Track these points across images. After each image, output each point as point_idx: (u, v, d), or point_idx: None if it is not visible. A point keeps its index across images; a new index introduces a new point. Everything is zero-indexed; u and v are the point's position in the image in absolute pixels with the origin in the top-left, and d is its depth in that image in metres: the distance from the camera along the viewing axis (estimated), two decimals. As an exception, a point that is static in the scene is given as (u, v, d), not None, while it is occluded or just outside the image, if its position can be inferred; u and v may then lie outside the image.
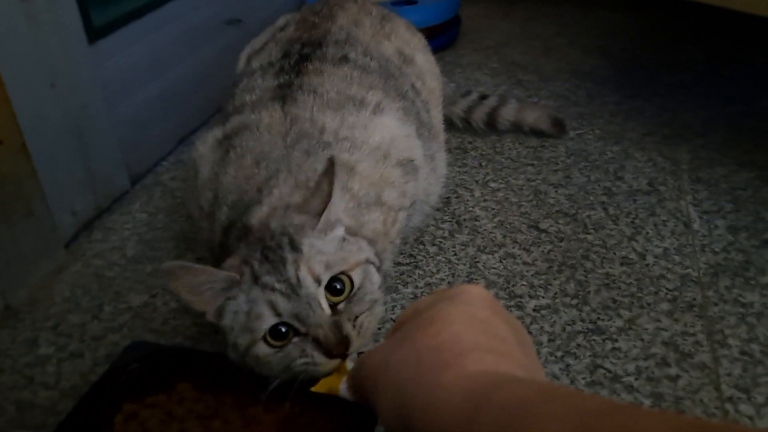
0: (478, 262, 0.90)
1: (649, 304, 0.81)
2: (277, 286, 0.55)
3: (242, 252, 0.60)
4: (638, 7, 1.80)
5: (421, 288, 0.86)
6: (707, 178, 1.06)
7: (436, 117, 0.98)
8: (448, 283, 0.87)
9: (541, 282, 0.86)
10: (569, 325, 0.79)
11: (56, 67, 0.89)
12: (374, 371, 0.41)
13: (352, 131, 0.74)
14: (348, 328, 0.56)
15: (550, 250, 0.91)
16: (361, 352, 0.57)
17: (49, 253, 0.89)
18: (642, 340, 0.76)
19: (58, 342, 0.79)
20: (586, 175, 1.08)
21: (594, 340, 0.77)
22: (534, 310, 0.81)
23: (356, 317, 0.57)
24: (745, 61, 1.47)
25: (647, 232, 0.94)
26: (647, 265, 0.88)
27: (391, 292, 0.85)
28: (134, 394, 0.58)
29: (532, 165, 1.11)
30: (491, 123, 1.19)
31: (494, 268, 0.89)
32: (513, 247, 0.92)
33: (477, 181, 1.07)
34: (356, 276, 0.58)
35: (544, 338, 0.77)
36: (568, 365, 0.73)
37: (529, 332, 0.78)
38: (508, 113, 1.18)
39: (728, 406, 0.68)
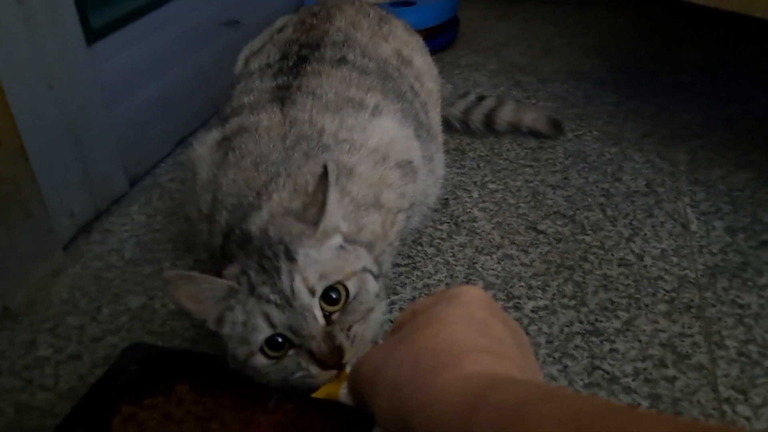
0: (476, 263, 0.90)
1: (646, 306, 0.82)
2: (272, 297, 0.55)
3: (241, 260, 0.60)
4: (637, 8, 1.80)
5: (419, 289, 0.86)
6: (705, 179, 1.06)
7: (435, 118, 0.98)
8: (446, 284, 0.87)
9: (539, 283, 0.86)
10: (567, 326, 0.79)
11: (54, 69, 0.89)
12: (371, 373, 0.41)
13: (351, 133, 0.74)
14: (341, 338, 0.55)
15: (548, 252, 0.91)
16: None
17: (47, 255, 0.89)
18: (640, 341, 0.77)
19: (57, 344, 0.79)
20: (584, 177, 1.08)
21: (592, 341, 0.77)
22: (532, 311, 0.81)
23: (350, 327, 0.57)
24: (743, 62, 1.47)
25: (645, 234, 0.94)
26: (645, 266, 0.88)
27: (390, 293, 0.85)
28: (132, 396, 0.58)
29: (531, 166, 1.11)
30: (489, 124, 1.19)
31: (492, 269, 0.89)
32: (511, 249, 0.92)
33: (475, 183, 1.07)
34: (352, 285, 0.58)
35: (542, 339, 0.77)
36: (566, 366, 0.73)
37: (527, 333, 0.78)
38: (506, 114, 1.18)
39: (725, 407, 0.68)
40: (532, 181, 1.07)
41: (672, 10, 1.75)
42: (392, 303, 0.83)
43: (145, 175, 1.13)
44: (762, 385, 0.71)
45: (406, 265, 0.90)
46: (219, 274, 0.60)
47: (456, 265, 0.90)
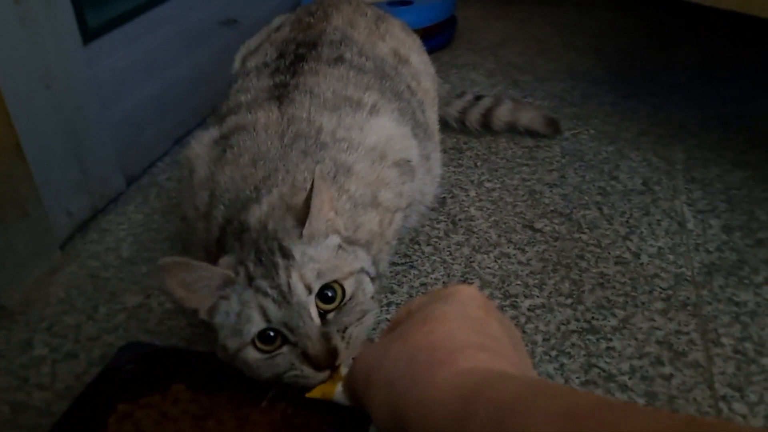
0: (473, 261, 0.90)
1: (643, 303, 0.82)
2: (270, 291, 0.55)
3: (237, 251, 0.61)
4: (634, 8, 1.80)
5: (416, 288, 0.86)
6: (702, 177, 1.07)
7: (432, 117, 0.98)
8: (444, 282, 0.87)
9: (536, 281, 0.86)
10: (564, 324, 0.79)
11: (51, 69, 0.89)
12: (367, 370, 0.41)
13: (349, 132, 0.74)
14: (336, 339, 0.55)
15: (544, 250, 0.92)
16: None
17: (44, 254, 0.89)
18: (636, 339, 0.77)
19: (53, 343, 0.79)
20: (581, 175, 1.08)
21: (588, 339, 0.77)
22: (529, 309, 0.81)
23: (345, 328, 0.56)
24: (739, 61, 1.48)
25: (642, 232, 0.94)
26: (641, 264, 0.88)
27: (387, 292, 0.85)
28: (129, 395, 0.58)
29: (527, 165, 1.11)
30: (486, 124, 1.19)
31: (489, 267, 0.89)
32: (508, 247, 0.92)
33: (472, 181, 1.08)
34: (348, 285, 0.58)
35: (539, 338, 0.77)
36: (562, 364, 0.74)
37: (524, 332, 0.78)
38: (503, 114, 1.18)
39: (722, 404, 0.68)
40: (529, 180, 1.07)
41: (669, 10, 1.76)
42: (389, 302, 0.83)
43: (143, 174, 1.13)
44: (758, 382, 0.71)
45: (403, 264, 0.90)
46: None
47: (453, 264, 0.90)
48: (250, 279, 0.57)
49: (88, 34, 0.97)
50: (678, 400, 0.69)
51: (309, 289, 0.56)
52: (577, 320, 0.80)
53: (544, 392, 0.32)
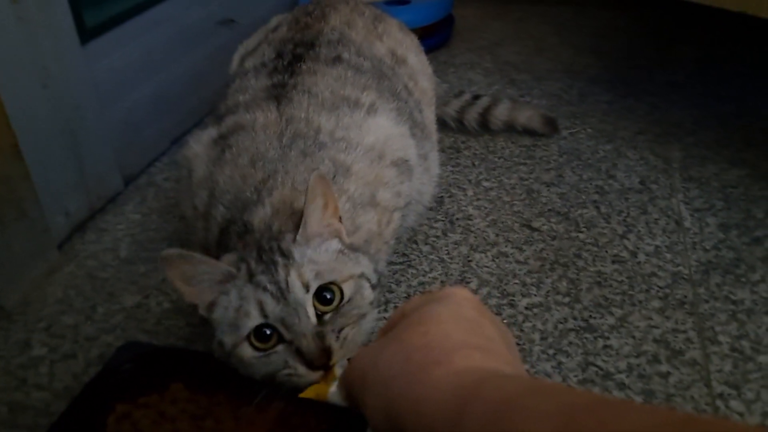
0: (470, 260, 0.90)
1: (640, 302, 0.82)
2: (269, 286, 0.56)
3: (240, 250, 0.61)
4: (630, 6, 1.80)
5: (414, 287, 0.86)
6: (698, 176, 1.07)
7: (429, 117, 0.98)
8: (441, 282, 0.87)
9: (534, 280, 0.86)
10: (561, 323, 0.79)
11: (48, 68, 0.89)
12: (363, 371, 0.42)
13: (347, 132, 0.74)
14: (330, 339, 0.55)
15: (542, 249, 0.92)
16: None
17: (42, 254, 0.89)
18: (633, 337, 0.77)
19: (51, 343, 0.79)
20: (578, 174, 1.08)
21: (586, 337, 0.77)
22: (526, 308, 0.82)
23: (341, 329, 0.57)
24: (736, 60, 1.48)
25: (639, 230, 0.95)
26: (639, 263, 0.89)
27: (385, 291, 0.85)
28: (127, 395, 0.58)
29: (525, 164, 1.12)
30: (484, 123, 1.19)
31: (487, 266, 0.89)
32: (505, 246, 0.93)
33: (470, 181, 1.08)
34: (347, 288, 0.58)
35: (536, 336, 0.77)
36: (560, 363, 0.74)
37: (522, 330, 0.78)
38: (501, 113, 1.18)
39: (719, 402, 0.69)
40: (526, 179, 1.08)
41: (666, 9, 1.76)
42: (387, 301, 0.83)
43: (140, 174, 1.13)
44: (755, 380, 0.71)
45: (401, 263, 0.90)
46: None
47: (451, 263, 0.90)
48: (251, 275, 0.57)
49: (86, 34, 0.97)
50: (675, 398, 0.69)
51: (306, 288, 0.56)
52: (575, 319, 0.80)
53: (540, 390, 0.32)
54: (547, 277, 0.86)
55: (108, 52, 1.03)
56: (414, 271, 0.89)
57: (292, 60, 0.83)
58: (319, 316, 0.56)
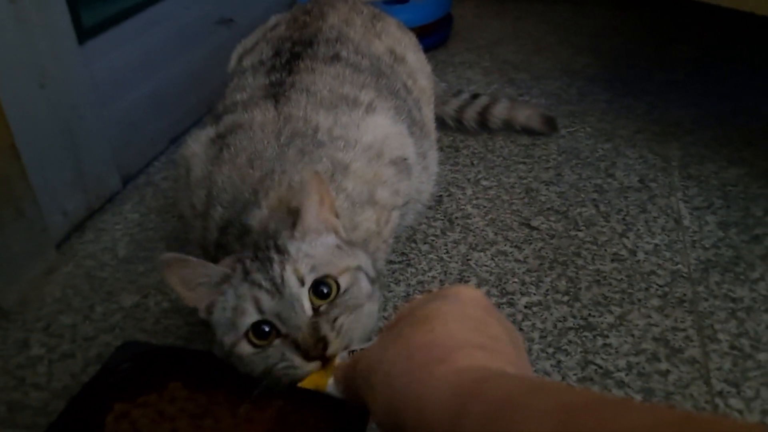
0: (470, 259, 0.90)
1: (639, 300, 0.82)
2: (264, 283, 0.56)
3: (238, 252, 0.61)
4: (629, 5, 1.80)
5: (413, 286, 0.86)
6: (697, 174, 1.07)
7: (428, 115, 0.98)
8: (440, 281, 0.87)
9: (533, 279, 0.86)
10: (560, 321, 0.79)
11: (46, 68, 0.88)
12: (367, 368, 0.42)
13: (346, 130, 0.74)
14: (326, 329, 0.55)
15: (541, 248, 0.92)
16: (353, 351, 0.56)
17: (40, 254, 0.89)
18: (633, 335, 0.77)
19: (50, 343, 0.79)
20: (577, 173, 1.08)
21: (585, 336, 0.77)
22: (525, 307, 0.82)
23: (336, 318, 0.56)
24: (734, 58, 1.48)
25: (638, 229, 0.95)
26: (638, 261, 0.88)
27: (384, 290, 0.85)
28: (125, 394, 0.58)
29: (524, 163, 1.12)
30: (483, 122, 1.19)
31: (486, 265, 0.89)
32: (505, 245, 0.92)
33: (469, 180, 1.08)
34: (343, 280, 0.58)
35: (536, 335, 0.77)
36: (559, 361, 0.74)
37: (521, 329, 0.78)
38: (500, 112, 1.18)
39: (718, 400, 0.69)
40: (525, 178, 1.07)
41: (664, 8, 1.76)
42: (386, 300, 0.83)
43: (139, 174, 1.13)
44: (754, 378, 0.71)
45: (400, 262, 0.90)
46: None
47: (450, 262, 0.90)
48: (246, 273, 0.57)
49: (84, 34, 0.97)
50: (675, 396, 0.69)
51: (302, 282, 0.56)
52: (574, 317, 0.80)
53: (539, 389, 0.32)
54: (546, 276, 0.86)
55: (106, 51, 1.03)
56: (413, 270, 0.89)
57: (290, 58, 0.83)
58: (316, 309, 0.56)
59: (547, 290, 0.84)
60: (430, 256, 0.91)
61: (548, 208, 1.00)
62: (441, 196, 1.03)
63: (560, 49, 1.56)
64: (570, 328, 0.78)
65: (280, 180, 0.67)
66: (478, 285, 0.85)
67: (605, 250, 0.91)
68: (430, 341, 0.39)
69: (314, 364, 0.54)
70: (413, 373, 0.37)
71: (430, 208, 0.99)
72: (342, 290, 0.57)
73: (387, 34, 0.96)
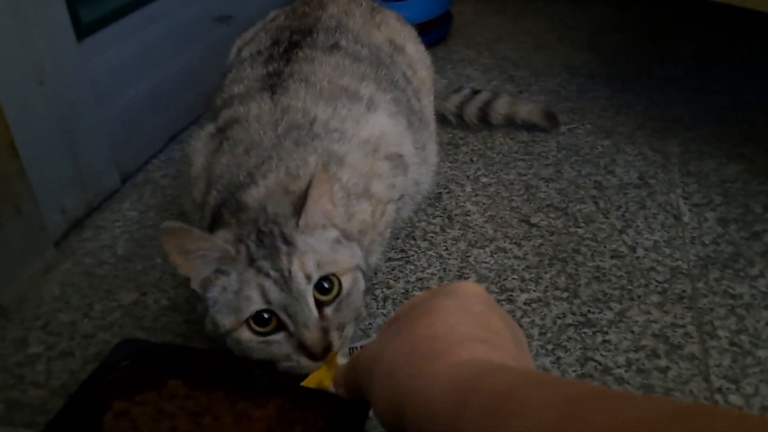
0: (469, 256, 0.90)
1: (639, 297, 0.82)
2: (272, 273, 0.56)
3: (235, 228, 0.61)
4: (628, 2, 1.80)
5: (412, 283, 0.86)
6: (697, 171, 1.07)
7: (427, 106, 0.98)
8: (440, 278, 0.87)
9: (532, 276, 0.86)
10: (560, 318, 0.79)
11: (44, 65, 0.88)
12: (369, 363, 0.42)
13: (343, 124, 0.74)
14: (334, 336, 0.57)
15: (540, 244, 0.92)
16: (354, 348, 0.57)
17: (38, 252, 0.89)
18: (632, 332, 0.77)
19: (48, 341, 0.79)
20: (576, 170, 1.08)
21: (584, 332, 0.77)
22: (525, 303, 0.82)
23: (344, 327, 0.58)
24: (734, 54, 1.48)
25: (637, 225, 0.95)
26: (637, 257, 0.88)
27: (383, 287, 0.85)
28: (124, 392, 0.58)
29: (523, 160, 1.11)
30: (484, 117, 1.19)
31: (485, 262, 0.89)
32: (504, 242, 0.92)
33: (468, 177, 1.07)
34: (346, 281, 0.59)
35: (535, 331, 0.77)
36: (558, 358, 0.74)
37: (520, 326, 0.78)
38: (501, 107, 1.18)
39: (717, 396, 0.69)
40: (525, 175, 1.07)
41: (664, 4, 1.76)
42: (385, 297, 0.83)
43: (137, 172, 1.13)
44: (754, 374, 0.71)
45: (399, 259, 0.90)
46: None
47: (449, 259, 0.90)
48: (252, 259, 0.57)
49: (82, 31, 0.97)
50: (674, 393, 0.69)
51: (308, 278, 0.57)
52: (573, 314, 0.80)
53: (540, 382, 0.32)
54: (545, 273, 0.86)
55: (104, 48, 1.02)
56: (412, 267, 0.88)
57: (289, 47, 0.82)
58: (319, 305, 0.57)
59: (547, 287, 0.84)
60: (430, 252, 0.91)
61: (548, 205, 1.00)
62: (440, 193, 1.03)
63: (559, 46, 1.56)
64: (569, 325, 0.78)
65: (277, 166, 0.68)
66: (478, 282, 0.85)
67: (605, 246, 0.91)
68: (432, 335, 0.39)
69: (318, 363, 0.56)
70: (414, 366, 0.37)
71: (429, 205, 0.99)
72: (344, 291, 0.59)
73: (386, 25, 0.96)
